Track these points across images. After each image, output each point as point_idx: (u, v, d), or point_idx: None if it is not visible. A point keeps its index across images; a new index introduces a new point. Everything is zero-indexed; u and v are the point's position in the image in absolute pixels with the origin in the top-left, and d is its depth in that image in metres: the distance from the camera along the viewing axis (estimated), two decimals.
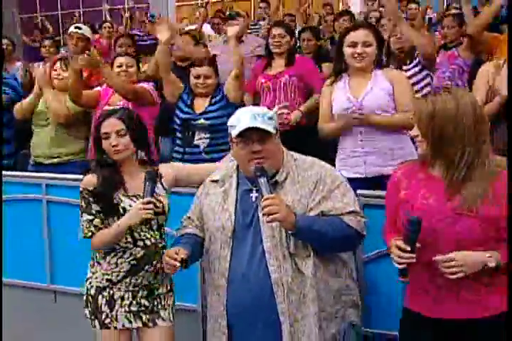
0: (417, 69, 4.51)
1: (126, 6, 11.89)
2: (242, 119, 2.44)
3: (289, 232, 2.38)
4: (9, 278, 4.11)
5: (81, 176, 3.65)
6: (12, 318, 4.13)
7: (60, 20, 11.89)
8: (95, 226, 2.77)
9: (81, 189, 2.83)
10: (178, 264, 2.38)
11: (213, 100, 4.02)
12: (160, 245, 2.84)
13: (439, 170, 2.29)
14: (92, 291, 2.84)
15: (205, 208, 2.61)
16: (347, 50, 3.41)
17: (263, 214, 2.32)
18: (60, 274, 4.04)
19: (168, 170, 2.91)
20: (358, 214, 2.47)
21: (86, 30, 5.50)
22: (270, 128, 2.41)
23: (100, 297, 2.81)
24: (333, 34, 6.43)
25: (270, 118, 2.45)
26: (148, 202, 2.59)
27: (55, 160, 4.54)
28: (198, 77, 4.03)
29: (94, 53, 4.26)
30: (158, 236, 2.84)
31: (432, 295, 2.31)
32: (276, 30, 4.73)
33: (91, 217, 2.78)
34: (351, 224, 2.43)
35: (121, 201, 2.75)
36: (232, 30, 4.46)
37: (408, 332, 2.48)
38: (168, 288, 2.92)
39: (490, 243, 2.21)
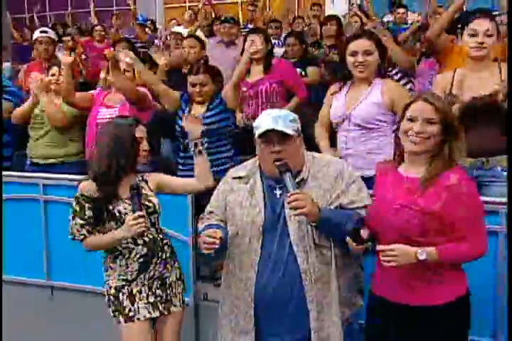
0: (397, 77, 4.56)
1: (114, 9, 11.79)
2: (263, 121, 2.50)
3: (313, 224, 2.45)
4: (8, 275, 4.12)
5: (77, 176, 3.73)
6: (11, 313, 4.13)
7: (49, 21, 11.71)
8: (88, 230, 2.85)
9: (78, 194, 2.88)
10: (218, 241, 2.39)
11: (210, 106, 4.00)
12: (159, 239, 2.94)
13: (408, 168, 2.44)
14: (112, 291, 2.94)
15: (232, 204, 2.63)
16: (349, 59, 3.40)
17: (290, 209, 2.38)
18: (56, 270, 4.06)
19: (155, 176, 3.03)
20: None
21: (51, 33, 5.62)
22: (289, 131, 2.47)
23: (121, 294, 2.91)
24: (318, 39, 6.42)
25: (291, 120, 2.51)
26: (139, 217, 2.66)
27: (51, 160, 4.52)
28: (194, 85, 4.02)
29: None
30: (154, 232, 2.92)
31: (387, 281, 2.44)
32: (253, 36, 4.66)
33: (83, 222, 2.85)
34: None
35: (117, 206, 2.84)
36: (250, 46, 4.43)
37: (371, 314, 2.61)
38: (178, 276, 3.02)
39: (430, 234, 2.33)
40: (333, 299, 2.50)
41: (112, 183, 2.84)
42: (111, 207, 2.83)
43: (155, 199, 2.92)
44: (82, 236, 2.86)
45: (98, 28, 8.01)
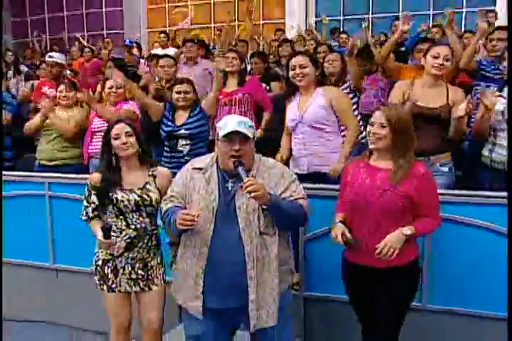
0: (347, 90, 4.80)
1: (104, 32, 11.92)
2: (228, 124, 2.61)
3: (263, 207, 2.56)
4: (19, 259, 4.30)
5: (77, 176, 3.92)
6: (21, 293, 4.32)
7: (47, 43, 11.75)
8: (86, 212, 3.05)
9: (88, 182, 3.08)
10: (197, 218, 2.51)
11: (192, 113, 4.17)
12: (149, 229, 3.05)
13: (377, 161, 2.73)
14: (99, 262, 3.07)
15: (190, 190, 2.71)
16: (290, 73, 3.69)
17: (247, 192, 2.46)
18: (61, 255, 4.20)
19: (164, 174, 3.12)
20: (305, 200, 2.75)
21: (57, 58, 5.75)
22: (249, 134, 2.61)
23: (106, 267, 3.05)
24: (277, 58, 6.68)
25: (251, 126, 2.64)
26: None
27: (56, 162, 4.64)
28: (179, 92, 4.16)
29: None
30: (148, 222, 3.04)
31: (362, 248, 2.71)
32: (229, 54, 4.91)
33: (87, 205, 3.07)
34: (304, 205, 2.68)
35: (116, 194, 2.99)
36: (220, 63, 4.63)
37: (345, 276, 2.91)
38: (159, 260, 3.13)
39: (406, 213, 2.65)
40: (270, 276, 2.63)
41: (110, 174, 3.00)
42: (110, 194, 2.98)
43: (154, 195, 3.01)
44: (84, 218, 3.06)
45: (87, 49, 8.16)
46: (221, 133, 2.63)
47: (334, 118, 3.66)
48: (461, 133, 3.50)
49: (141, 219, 3.03)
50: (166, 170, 3.17)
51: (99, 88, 4.78)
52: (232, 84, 4.86)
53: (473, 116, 4.80)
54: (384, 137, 2.65)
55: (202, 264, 2.65)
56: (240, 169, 2.56)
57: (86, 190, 3.09)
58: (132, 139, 3.00)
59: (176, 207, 2.73)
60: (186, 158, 4.07)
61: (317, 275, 3.33)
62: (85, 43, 9.12)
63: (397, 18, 8.38)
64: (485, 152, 3.66)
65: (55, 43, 11.02)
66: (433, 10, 9.58)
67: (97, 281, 3.09)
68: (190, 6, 11.44)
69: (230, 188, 2.67)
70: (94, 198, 3.04)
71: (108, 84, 4.60)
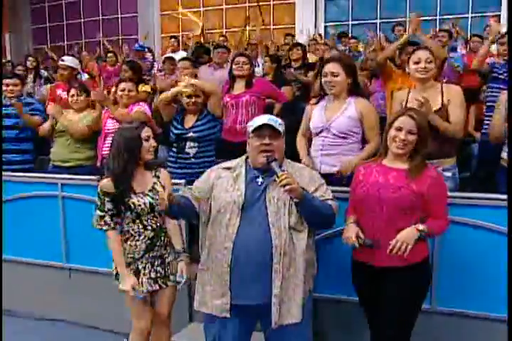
0: None
1: (120, 37, 11.88)
2: (259, 119, 2.60)
3: (296, 201, 2.50)
4: (33, 259, 4.23)
5: (90, 177, 3.82)
6: (34, 292, 4.28)
7: (65, 50, 11.78)
8: (105, 221, 2.93)
9: (99, 190, 2.94)
10: (166, 199, 2.52)
11: (200, 116, 4.11)
12: (163, 226, 3.03)
13: (392, 162, 2.71)
14: None
15: (218, 188, 2.65)
16: (323, 80, 3.53)
17: (281, 186, 2.42)
18: (73, 255, 4.12)
19: (165, 175, 3.09)
20: (334, 202, 2.66)
21: (68, 61, 5.74)
22: (280, 129, 2.58)
23: (128, 270, 2.97)
24: (288, 62, 6.51)
25: (280, 124, 2.60)
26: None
27: (70, 163, 4.55)
28: (189, 96, 4.11)
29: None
30: (161, 221, 3.01)
31: (366, 250, 2.66)
32: (240, 58, 4.82)
33: (102, 214, 2.93)
34: (333, 206, 2.62)
35: (131, 198, 2.91)
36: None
37: (355, 276, 2.84)
38: (174, 257, 3.06)
39: (417, 210, 2.60)
40: (296, 272, 2.54)
41: (125, 179, 2.89)
42: (126, 200, 2.89)
43: (163, 195, 2.82)
44: (99, 227, 2.93)
45: (110, 54, 8.16)
46: (251, 128, 2.59)
47: (358, 129, 3.51)
48: (443, 130, 3.34)
49: (155, 219, 2.98)
50: (164, 170, 3.16)
51: (113, 89, 4.66)
52: (239, 87, 4.78)
53: (486, 118, 4.73)
54: (411, 143, 2.62)
55: (227, 259, 2.55)
56: (274, 164, 2.51)
57: (98, 198, 2.96)
58: (153, 142, 2.97)
59: (182, 197, 2.68)
60: (193, 159, 4.05)
61: (328, 276, 3.19)
62: (110, 48, 9.07)
63: (399, 23, 8.23)
64: (503, 155, 3.55)
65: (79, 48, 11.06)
66: (440, 15, 9.42)
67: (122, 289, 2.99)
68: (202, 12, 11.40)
69: (260, 183, 2.61)
70: (109, 205, 2.93)
71: (121, 86, 4.53)
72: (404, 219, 2.58)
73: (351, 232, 2.65)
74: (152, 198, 2.93)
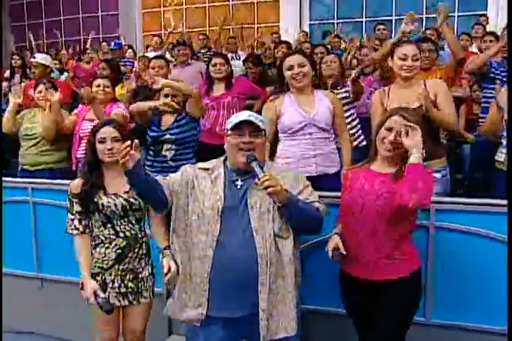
0: (346, 94, 4.46)
1: (100, 36, 11.61)
2: (239, 115, 2.43)
3: (278, 205, 2.31)
4: (3, 268, 3.95)
5: (62, 181, 3.62)
6: (5, 302, 4.00)
7: (45, 48, 11.48)
8: (74, 225, 2.76)
9: (68, 193, 2.79)
10: (128, 148, 2.23)
11: (179, 117, 3.87)
12: (139, 236, 2.81)
13: (380, 166, 2.49)
14: None
15: (195, 189, 2.46)
16: (287, 73, 3.35)
17: (264, 188, 2.22)
18: (45, 264, 3.92)
19: None
20: (322, 204, 2.48)
21: (40, 58, 5.57)
22: (261, 125, 2.40)
23: (94, 282, 2.74)
24: (274, 60, 6.35)
25: (261, 120, 2.43)
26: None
27: (40, 167, 4.38)
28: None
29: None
30: (137, 229, 2.80)
31: (359, 259, 2.47)
32: (216, 60, 4.67)
33: (72, 217, 2.77)
34: (320, 208, 2.44)
35: (101, 199, 2.73)
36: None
37: (343, 289, 2.66)
38: (150, 271, 2.87)
39: (403, 221, 2.41)
40: (284, 283, 2.36)
41: (92, 178, 2.75)
42: (96, 200, 2.72)
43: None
44: (71, 231, 2.76)
45: (88, 51, 8.03)
46: (230, 125, 2.40)
47: (331, 122, 3.39)
48: (440, 120, 3.19)
49: (130, 226, 2.77)
50: None
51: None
52: (219, 89, 4.63)
53: (480, 120, 4.59)
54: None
55: (207, 268, 2.36)
56: (254, 164, 2.30)
57: (68, 200, 2.78)
58: (118, 145, 2.65)
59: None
60: (170, 162, 3.81)
61: (315, 286, 3.01)
62: (88, 46, 8.97)
63: (381, 23, 8.03)
64: (499, 157, 3.39)
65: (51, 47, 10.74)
66: (426, 14, 9.33)
67: (85, 296, 2.77)
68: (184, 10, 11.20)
69: (239, 186, 2.44)
70: (78, 207, 2.74)
71: (96, 82, 4.35)
72: (389, 228, 2.39)
73: (330, 243, 2.49)
74: (127, 200, 2.74)
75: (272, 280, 2.34)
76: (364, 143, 4.43)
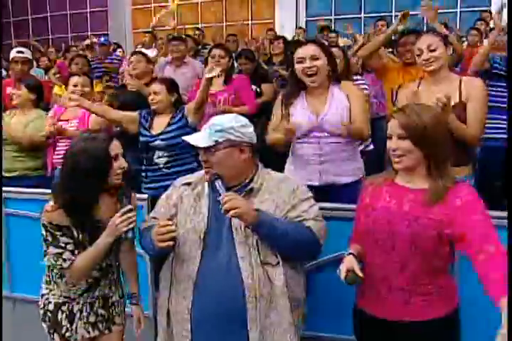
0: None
1: (89, 33, 11.26)
2: (192, 136, 2.19)
3: (251, 227, 2.00)
4: None
5: (36, 190, 3.25)
6: None
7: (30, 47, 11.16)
8: (64, 259, 2.21)
9: (46, 222, 2.20)
10: (174, 227, 2.04)
11: (172, 121, 3.52)
12: (114, 265, 2.42)
13: (407, 179, 2.00)
14: (51, 307, 2.35)
15: (179, 211, 2.18)
16: (297, 68, 2.90)
17: (224, 210, 1.95)
18: (18, 282, 3.53)
19: (134, 198, 2.40)
20: (319, 222, 2.11)
21: (27, 53, 5.04)
22: (206, 142, 2.07)
23: (60, 312, 2.35)
24: (269, 57, 6.17)
25: (218, 131, 2.07)
26: (127, 212, 2.13)
27: (14, 173, 4.02)
28: (149, 94, 3.59)
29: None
30: (113, 258, 2.39)
31: (382, 295, 2.01)
32: (216, 51, 4.37)
33: (60, 251, 2.20)
34: (314, 228, 2.06)
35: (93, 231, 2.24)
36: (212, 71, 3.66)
37: (359, 331, 2.18)
38: (120, 294, 2.49)
39: (442, 244, 1.92)
40: (278, 318, 2.04)
41: (85, 210, 2.20)
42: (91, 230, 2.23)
43: None
44: (61, 267, 2.22)
45: (73, 48, 7.70)
46: None
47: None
48: (460, 134, 2.78)
49: (106, 257, 2.32)
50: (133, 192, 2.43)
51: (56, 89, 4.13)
52: (217, 83, 4.25)
53: (488, 121, 4.23)
54: (408, 152, 1.91)
55: (187, 304, 2.08)
56: (217, 183, 2.04)
57: (46, 231, 2.20)
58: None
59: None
60: (164, 170, 3.45)
61: (321, 311, 2.64)
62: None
63: (381, 18, 7.83)
64: None
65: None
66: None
67: (47, 329, 2.38)
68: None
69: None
70: (65, 239, 2.20)
71: (73, 80, 3.98)
72: (424, 262, 1.92)
73: (345, 264, 1.96)
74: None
75: (264, 315, 2.02)
76: (372, 147, 4.07)
